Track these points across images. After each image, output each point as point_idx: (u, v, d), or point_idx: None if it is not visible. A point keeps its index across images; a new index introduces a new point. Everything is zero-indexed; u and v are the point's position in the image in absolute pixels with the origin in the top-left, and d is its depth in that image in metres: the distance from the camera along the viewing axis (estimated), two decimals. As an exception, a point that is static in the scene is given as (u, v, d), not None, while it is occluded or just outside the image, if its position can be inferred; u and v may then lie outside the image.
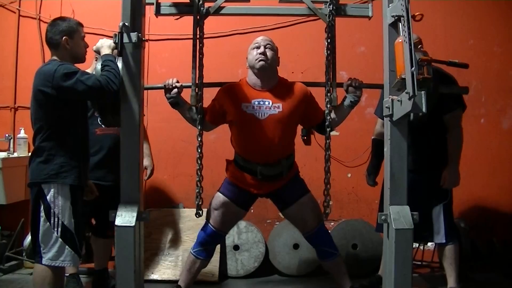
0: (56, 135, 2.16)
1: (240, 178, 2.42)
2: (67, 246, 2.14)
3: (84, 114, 2.29)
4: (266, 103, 2.33)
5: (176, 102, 2.31)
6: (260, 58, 2.32)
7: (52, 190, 2.12)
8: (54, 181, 2.12)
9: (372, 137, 2.94)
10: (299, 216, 2.46)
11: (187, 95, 2.32)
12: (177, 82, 2.29)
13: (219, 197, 2.45)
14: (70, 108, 2.16)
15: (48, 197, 2.12)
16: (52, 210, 2.12)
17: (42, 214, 2.12)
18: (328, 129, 2.26)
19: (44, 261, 2.13)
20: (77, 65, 2.24)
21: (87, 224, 2.89)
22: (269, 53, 2.34)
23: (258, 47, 2.35)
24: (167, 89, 2.29)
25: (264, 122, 2.31)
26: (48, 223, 2.12)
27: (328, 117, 2.27)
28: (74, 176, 2.16)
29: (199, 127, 2.26)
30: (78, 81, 2.04)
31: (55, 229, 2.12)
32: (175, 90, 2.28)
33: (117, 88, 2.02)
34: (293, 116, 2.37)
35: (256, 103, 2.33)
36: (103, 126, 2.68)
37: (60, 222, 2.12)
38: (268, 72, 2.36)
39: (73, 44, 2.22)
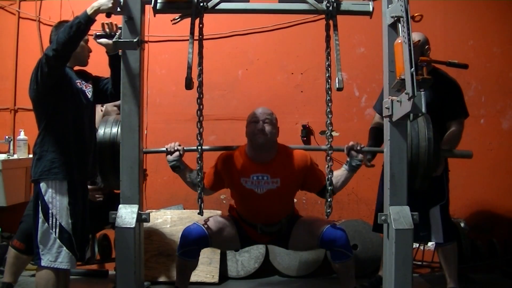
0: (47, 131, 2.16)
1: (242, 226, 2.45)
2: (64, 248, 2.12)
3: (78, 108, 2.23)
4: (265, 178, 2.31)
5: (178, 166, 2.31)
6: (258, 135, 2.28)
7: (50, 190, 2.12)
8: (46, 178, 2.12)
9: (370, 127, 2.88)
10: (303, 234, 2.40)
11: (188, 160, 2.35)
12: (179, 145, 2.31)
13: (228, 219, 2.46)
14: (56, 103, 2.16)
15: (46, 197, 2.12)
16: (50, 211, 2.11)
17: (40, 214, 2.12)
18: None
19: (43, 262, 2.11)
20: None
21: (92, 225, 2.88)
22: (267, 128, 2.28)
23: (256, 122, 2.30)
24: (169, 152, 2.30)
25: (262, 196, 2.32)
26: (46, 223, 2.11)
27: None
28: (66, 172, 2.14)
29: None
30: (39, 67, 2.07)
31: (53, 229, 2.11)
32: (177, 153, 2.29)
33: (54, 53, 2.00)
34: (292, 188, 2.40)
35: (255, 178, 2.31)
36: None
37: (57, 223, 2.11)
38: (267, 147, 2.33)
39: None
